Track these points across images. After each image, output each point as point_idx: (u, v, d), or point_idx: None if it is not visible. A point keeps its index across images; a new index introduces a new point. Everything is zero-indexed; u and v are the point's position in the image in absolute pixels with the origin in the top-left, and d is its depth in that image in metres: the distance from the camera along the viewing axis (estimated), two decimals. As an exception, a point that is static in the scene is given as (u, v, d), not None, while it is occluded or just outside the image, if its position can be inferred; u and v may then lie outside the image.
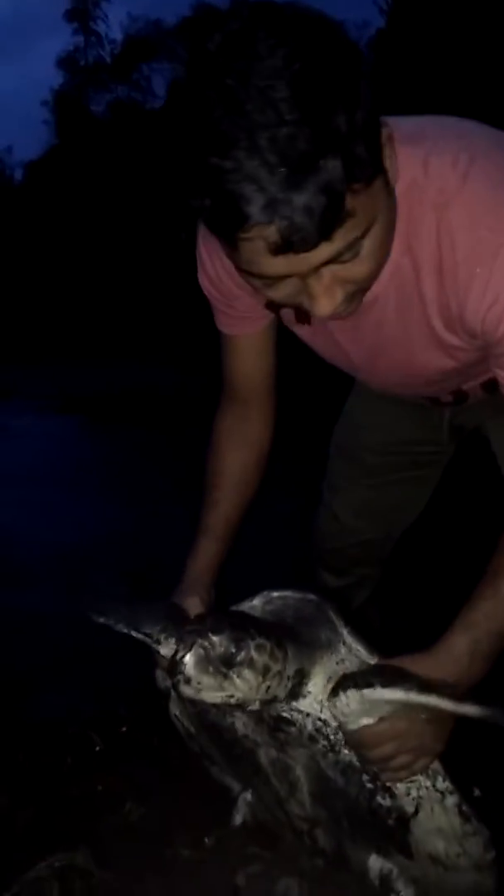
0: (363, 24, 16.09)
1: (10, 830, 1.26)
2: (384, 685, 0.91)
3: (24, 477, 3.46)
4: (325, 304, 0.85)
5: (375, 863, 1.08)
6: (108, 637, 1.87)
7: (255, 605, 1.09)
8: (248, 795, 1.19)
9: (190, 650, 0.89)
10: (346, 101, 0.73)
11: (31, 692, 1.75)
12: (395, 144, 0.86)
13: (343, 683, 0.95)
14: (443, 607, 1.05)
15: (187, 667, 0.88)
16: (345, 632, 1.01)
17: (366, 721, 0.95)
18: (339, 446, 1.54)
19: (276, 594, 1.08)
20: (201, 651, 0.89)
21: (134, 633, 1.08)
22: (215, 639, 0.89)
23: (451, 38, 10.63)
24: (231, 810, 1.26)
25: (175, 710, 1.17)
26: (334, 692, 0.96)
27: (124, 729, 1.59)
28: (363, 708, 0.94)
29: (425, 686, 0.90)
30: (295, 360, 1.18)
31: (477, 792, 1.08)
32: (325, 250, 0.78)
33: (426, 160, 0.90)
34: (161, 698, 1.21)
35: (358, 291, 0.89)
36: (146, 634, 1.07)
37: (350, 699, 0.93)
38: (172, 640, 1.06)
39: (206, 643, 0.89)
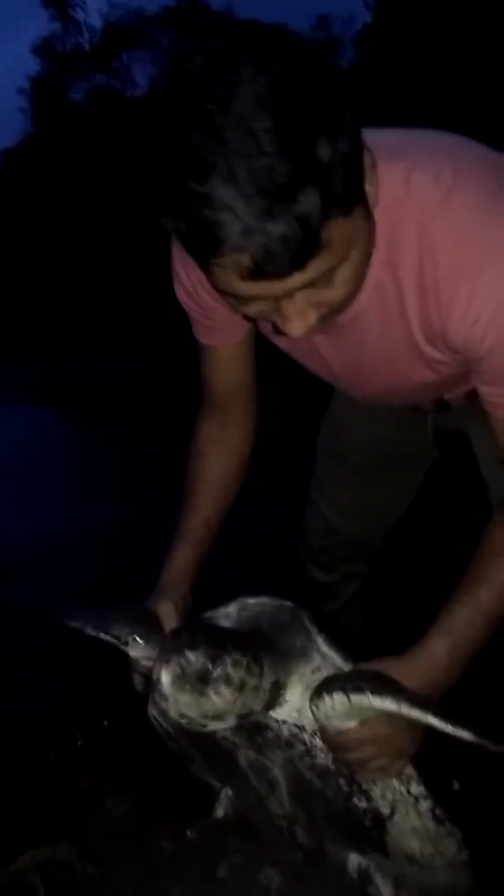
0: (349, 20, 16.09)
1: None
2: (374, 693, 0.91)
3: (3, 470, 3.43)
4: (297, 325, 0.85)
5: (354, 859, 1.10)
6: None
7: (230, 611, 1.09)
8: (229, 791, 1.20)
9: (166, 669, 0.89)
10: (329, 132, 0.73)
11: (10, 687, 1.76)
12: (377, 163, 0.87)
13: (328, 686, 0.95)
14: (427, 606, 1.07)
15: (164, 685, 0.89)
16: (319, 640, 1.02)
17: (347, 724, 0.96)
18: (324, 446, 1.55)
19: (251, 601, 1.08)
20: (178, 669, 0.89)
21: (103, 636, 1.09)
22: (191, 656, 0.90)
23: (437, 33, 10.65)
24: (212, 804, 1.27)
25: (153, 711, 1.18)
26: (318, 693, 0.96)
27: (106, 723, 1.59)
28: (347, 711, 0.94)
29: (416, 700, 0.91)
30: (281, 358, 1.18)
31: (456, 785, 1.11)
32: (297, 279, 0.78)
33: (408, 176, 0.89)
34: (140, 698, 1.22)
35: (333, 313, 0.89)
36: (115, 637, 1.08)
37: (336, 702, 0.94)
38: (141, 643, 1.07)
39: (183, 660, 0.90)
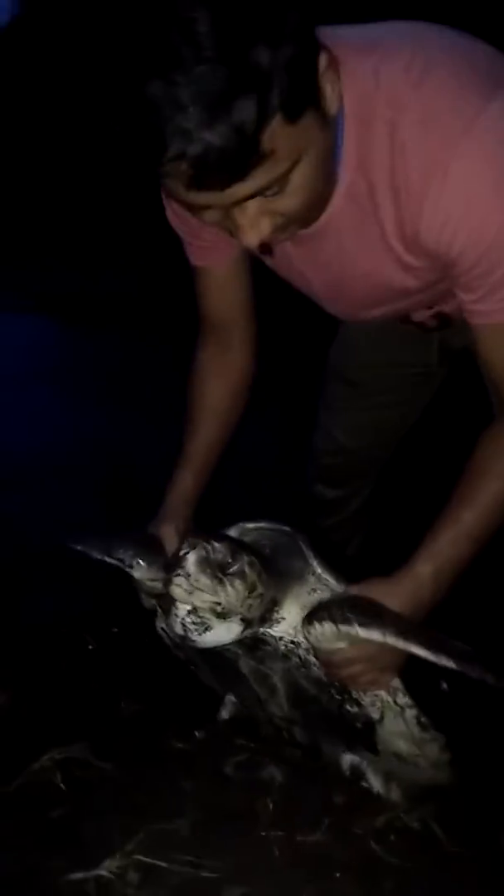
0: None
1: (11, 727, 1.36)
2: (361, 624, 0.98)
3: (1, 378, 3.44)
4: (250, 235, 0.85)
5: (347, 757, 1.19)
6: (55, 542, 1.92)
7: (230, 535, 1.14)
8: (233, 697, 1.28)
9: (193, 549, 0.95)
10: (270, 35, 0.71)
11: (19, 594, 1.81)
12: (344, 60, 0.84)
13: (319, 614, 1.02)
14: (425, 523, 1.11)
15: (188, 563, 0.95)
16: (315, 563, 1.08)
17: (338, 645, 1.03)
18: (333, 367, 1.56)
19: (250, 525, 1.14)
20: (203, 552, 0.95)
21: (108, 559, 1.15)
22: (217, 545, 0.96)
23: None
24: (218, 707, 1.36)
25: (161, 623, 1.25)
26: (309, 620, 1.03)
27: (116, 630, 1.65)
28: (336, 637, 1.01)
29: (401, 628, 0.97)
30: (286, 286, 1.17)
31: (444, 685, 1.18)
32: (241, 189, 0.77)
33: (377, 70, 0.87)
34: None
35: (290, 222, 0.88)
36: (119, 560, 1.14)
37: (326, 629, 1.01)
38: (144, 566, 1.13)
39: (209, 547, 0.96)
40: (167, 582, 0.98)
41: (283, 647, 1.08)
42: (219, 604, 0.98)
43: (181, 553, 0.96)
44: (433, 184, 0.87)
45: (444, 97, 0.85)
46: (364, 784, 1.22)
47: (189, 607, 0.99)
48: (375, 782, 1.21)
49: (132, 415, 3.09)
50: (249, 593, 1.00)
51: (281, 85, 0.73)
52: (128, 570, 1.15)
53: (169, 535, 1.18)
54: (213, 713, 1.38)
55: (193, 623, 1.00)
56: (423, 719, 1.09)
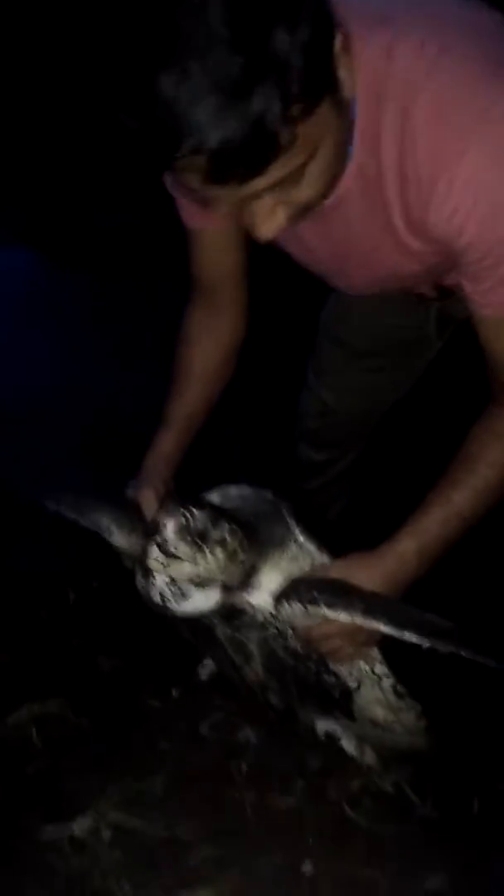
0: None
1: None
2: (329, 605, 0.97)
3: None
4: (266, 226, 0.82)
5: (322, 721, 1.20)
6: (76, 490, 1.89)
7: (213, 499, 1.13)
8: (211, 661, 1.28)
9: (173, 517, 0.93)
10: (288, 18, 0.67)
11: (2, 546, 1.78)
12: (355, 36, 0.80)
13: (288, 593, 1.01)
14: (410, 491, 1.09)
15: (167, 530, 0.93)
16: (297, 531, 1.06)
17: (313, 622, 1.02)
18: (326, 330, 1.53)
19: (233, 489, 1.12)
20: (183, 520, 0.93)
21: (83, 523, 1.13)
22: (196, 512, 0.94)
23: None
24: (195, 665, 1.36)
25: (141, 581, 1.23)
26: (279, 599, 1.02)
27: (96, 584, 1.64)
28: (306, 616, 1.00)
29: (369, 608, 0.96)
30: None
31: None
32: (260, 182, 0.74)
33: (391, 47, 0.83)
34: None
35: (306, 210, 0.85)
36: (96, 525, 1.12)
37: (294, 609, 1.00)
38: (123, 531, 1.11)
39: (188, 514, 0.94)
40: (146, 549, 0.96)
41: (260, 617, 1.07)
42: (198, 574, 0.96)
43: (160, 521, 0.93)
44: (443, 174, 0.84)
45: (458, 84, 0.82)
46: (339, 746, 1.22)
47: (167, 578, 0.97)
48: (350, 746, 1.21)
49: (115, 359, 3.02)
50: (230, 560, 0.99)
51: (299, 71, 0.69)
52: (104, 535, 1.13)
53: (148, 498, 1.16)
54: (191, 671, 1.38)
55: (172, 592, 0.98)
56: (399, 688, 1.09)
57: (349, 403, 1.54)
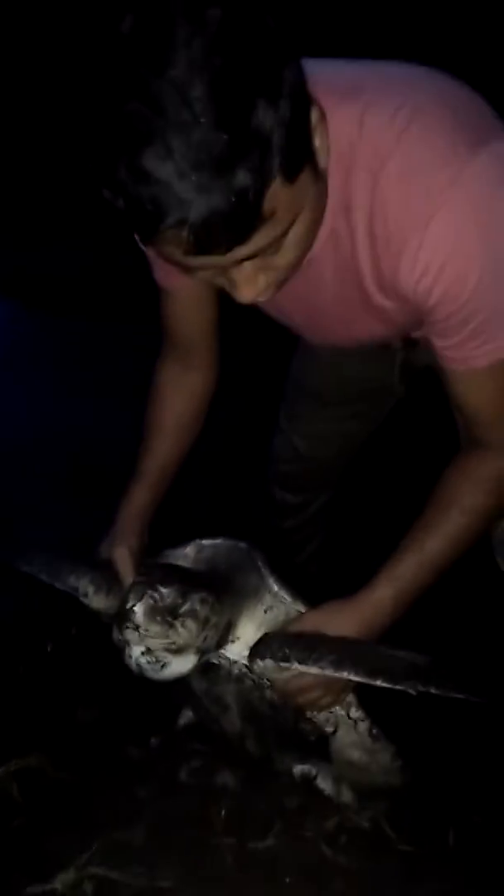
0: None
1: None
2: (300, 661, 1.00)
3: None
4: (246, 292, 0.85)
5: (299, 767, 1.22)
6: (53, 534, 1.91)
7: (187, 552, 1.16)
8: (189, 710, 1.30)
9: (140, 600, 0.96)
10: (268, 94, 0.69)
11: None
12: (329, 107, 0.83)
13: (261, 650, 1.04)
14: (381, 531, 1.13)
15: (137, 615, 0.96)
16: (271, 580, 1.10)
17: (286, 676, 1.05)
18: (295, 379, 1.57)
19: (206, 542, 1.16)
20: (150, 601, 0.96)
21: (59, 586, 1.15)
22: (164, 590, 0.97)
23: None
24: (174, 715, 1.38)
25: (117, 635, 1.26)
26: (251, 657, 1.05)
27: (74, 631, 1.66)
28: (279, 671, 1.04)
29: (338, 660, 0.99)
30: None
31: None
32: (241, 251, 0.77)
33: (362, 117, 0.86)
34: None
35: (285, 275, 0.88)
36: (73, 588, 1.14)
37: (267, 665, 1.03)
38: (101, 594, 1.13)
39: (156, 594, 0.96)
40: (117, 624, 0.98)
41: (236, 671, 1.10)
42: (173, 643, 0.99)
43: (128, 606, 0.96)
44: (413, 235, 0.87)
45: (427, 150, 0.85)
46: (315, 786, 1.25)
47: (143, 649, 0.99)
48: (326, 785, 1.24)
49: (93, 400, 3.06)
50: (203, 628, 1.01)
51: (280, 147, 0.71)
52: (81, 598, 1.15)
53: (122, 557, 1.18)
54: (170, 719, 1.39)
55: (149, 662, 1.00)
56: (374, 731, 1.12)
57: (320, 449, 1.58)
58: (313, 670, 0.99)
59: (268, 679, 1.08)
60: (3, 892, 1.07)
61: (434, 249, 0.87)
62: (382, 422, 1.60)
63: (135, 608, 0.96)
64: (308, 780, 1.23)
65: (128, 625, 0.97)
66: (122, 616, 0.97)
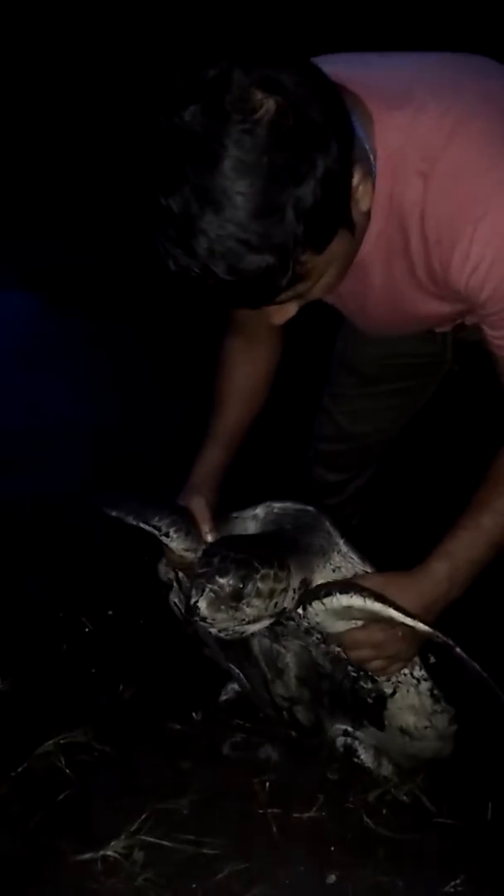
0: None
1: (14, 713, 1.37)
2: (342, 591, 1.02)
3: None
4: (277, 319, 0.93)
5: (341, 740, 1.25)
6: (85, 522, 1.94)
7: (257, 513, 1.19)
8: (237, 677, 1.32)
9: (202, 596, 0.98)
10: (306, 185, 0.77)
11: (14, 577, 1.81)
12: (375, 118, 0.90)
13: (307, 597, 1.06)
14: (424, 508, 1.14)
15: (201, 610, 0.98)
16: (341, 542, 1.12)
17: (341, 626, 1.07)
18: (339, 357, 1.59)
19: (276, 504, 1.18)
20: (212, 595, 0.98)
21: (143, 526, 1.16)
22: (222, 581, 0.99)
23: None
24: (215, 687, 1.40)
25: (174, 598, 1.29)
26: (301, 604, 1.07)
27: (111, 612, 1.68)
28: (329, 615, 1.05)
29: (379, 596, 1.02)
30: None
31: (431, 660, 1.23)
32: (276, 304, 0.86)
33: (412, 122, 0.91)
34: (146, 581, 1.32)
35: (317, 297, 0.94)
36: (156, 527, 1.16)
37: (316, 609, 1.05)
38: (180, 536, 1.16)
39: (216, 587, 0.99)
40: (188, 619, 1.01)
41: (306, 623, 1.11)
42: (244, 619, 1.01)
43: (192, 602, 0.98)
44: (463, 235, 0.92)
45: (476, 150, 0.90)
46: (356, 760, 1.27)
47: (216, 630, 1.02)
48: (367, 758, 1.26)
49: (118, 392, 3.09)
50: (271, 598, 1.03)
51: (309, 229, 0.79)
52: (163, 538, 1.16)
53: (199, 506, 1.20)
54: (210, 694, 1.42)
55: (228, 636, 1.04)
56: (436, 691, 1.14)
57: (365, 427, 1.60)
58: (355, 601, 1.01)
59: (322, 632, 1.09)
60: (55, 860, 1.10)
61: (485, 247, 0.92)
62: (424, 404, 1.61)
63: (198, 604, 0.98)
64: (350, 753, 1.25)
65: (196, 619, 0.99)
66: (189, 611, 1.00)
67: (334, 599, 1.02)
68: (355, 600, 1.02)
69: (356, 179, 0.87)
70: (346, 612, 1.06)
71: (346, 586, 1.04)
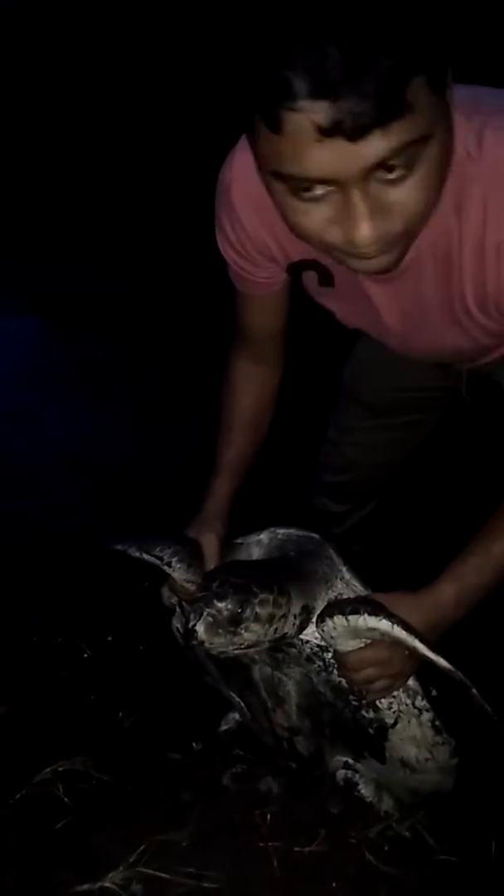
0: None
1: (12, 739, 1.36)
2: (371, 614, 1.01)
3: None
4: (366, 229, 0.77)
5: (342, 772, 1.24)
6: (86, 547, 1.94)
7: (261, 538, 1.20)
8: (237, 700, 1.31)
9: (200, 619, 0.98)
10: (423, 20, 0.69)
11: (13, 600, 1.81)
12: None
13: (330, 609, 1.05)
14: (427, 537, 1.14)
15: (199, 634, 0.98)
16: (344, 569, 1.12)
17: (352, 645, 1.06)
18: (346, 388, 1.60)
19: (281, 531, 1.19)
20: (210, 619, 0.98)
21: (146, 557, 1.17)
22: (220, 605, 0.99)
23: None
24: (215, 716, 1.39)
25: (177, 623, 1.28)
26: (321, 618, 1.06)
27: (110, 638, 1.67)
28: (347, 632, 1.04)
29: (408, 626, 1.01)
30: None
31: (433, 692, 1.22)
32: (378, 144, 0.71)
33: (481, 133, 0.89)
34: (146, 607, 1.33)
35: (400, 236, 0.82)
36: (158, 557, 1.16)
37: (336, 624, 1.03)
38: (182, 566, 1.16)
39: (213, 611, 0.98)
40: (186, 643, 1.01)
41: (308, 650, 1.11)
42: (242, 644, 1.01)
43: (190, 625, 0.99)
44: None
45: None
46: (356, 794, 1.25)
47: (214, 654, 1.02)
48: (368, 792, 1.25)
49: (119, 416, 3.11)
50: (270, 623, 1.03)
51: (429, 47, 0.71)
52: (165, 568, 1.16)
53: (211, 544, 1.21)
54: (210, 723, 1.41)
55: (227, 656, 1.04)
56: (437, 723, 1.13)
57: (371, 459, 1.61)
58: (383, 625, 1.00)
59: (334, 648, 1.09)
60: (54, 890, 1.08)
61: None
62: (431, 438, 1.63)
63: (196, 627, 0.98)
64: (351, 786, 1.24)
65: (193, 642, 0.99)
66: (187, 634, 1.00)
67: (360, 619, 1.01)
68: (382, 624, 1.01)
69: (448, 76, 0.78)
70: (363, 633, 1.05)
71: (376, 608, 1.03)
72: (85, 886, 1.08)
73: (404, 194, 0.78)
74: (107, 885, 1.08)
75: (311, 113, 0.69)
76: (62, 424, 3.08)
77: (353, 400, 1.59)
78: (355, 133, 0.70)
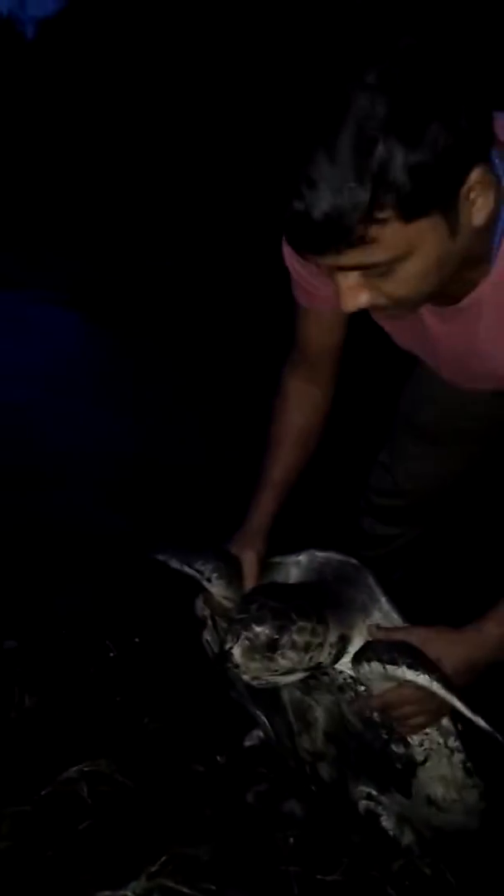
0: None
1: (38, 735, 1.36)
2: (409, 667, 1.00)
3: (29, 376, 3.45)
4: (346, 300, 0.89)
5: (364, 803, 1.22)
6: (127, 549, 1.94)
7: (300, 560, 1.19)
8: (263, 719, 1.30)
9: (236, 642, 0.98)
10: (407, 143, 0.76)
11: (42, 598, 1.82)
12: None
13: (367, 654, 1.05)
14: (471, 576, 1.12)
15: (235, 657, 0.98)
16: (383, 599, 1.11)
17: (387, 686, 1.05)
18: (404, 416, 1.59)
19: (320, 554, 1.18)
20: (247, 643, 0.98)
21: (187, 570, 1.17)
22: (258, 629, 0.99)
23: None
24: (242, 733, 1.38)
25: (207, 636, 1.28)
26: (358, 659, 1.06)
27: (137, 640, 1.67)
28: (384, 678, 1.04)
29: (446, 680, 1.00)
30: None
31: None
32: (336, 260, 0.84)
33: None
34: (177, 614, 1.34)
35: (395, 305, 0.91)
36: (199, 571, 1.17)
37: (373, 668, 1.03)
38: (221, 582, 1.16)
39: (251, 634, 0.98)
40: (220, 664, 1.01)
41: (341, 680, 1.10)
42: (277, 671, 1.01)
43: (226, 647, 0.99)
44: None
45: None
46: (379, 825, 1.24)
47: (248, 678, 1.02)
48: (390, 824, 1.24)
49: (157, 417, 3.12)
50: (306, 651, 1.03)
51: (399, 187, 0.77)
52: (205, 583, 1.17)
53: (251, 562, 1.21)
54: (234, 738, 1.40)
55: (259, 685, 1.03)
56: (468, 764, 1.11)
57: (422, 486, 1.60)
58: (421, 679, 1.00)
59: (369, 687, 1.08)
60: (74, 894, 1.09)
61: None
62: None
63: (232, 650, 0.98)
64: (372, 818, 1.23)
65: (228, 665, 0.99)
66: (222, 657, 1.00)
67: (398, 671, 1.01)
68: (421, 679, 1.01)
69: (475, 177, 0.82)
70: (400, 680, 1.04)
71: (415, 657, 1.02)
72: (106, 893, 1.08)
73: (387, 286, 0.88)
74: (128, 893, 1.08)
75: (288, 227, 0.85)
76: (92, 420, 3.09)
77: (409, 427, 1.58)
78: (311, 253, 0.85)
